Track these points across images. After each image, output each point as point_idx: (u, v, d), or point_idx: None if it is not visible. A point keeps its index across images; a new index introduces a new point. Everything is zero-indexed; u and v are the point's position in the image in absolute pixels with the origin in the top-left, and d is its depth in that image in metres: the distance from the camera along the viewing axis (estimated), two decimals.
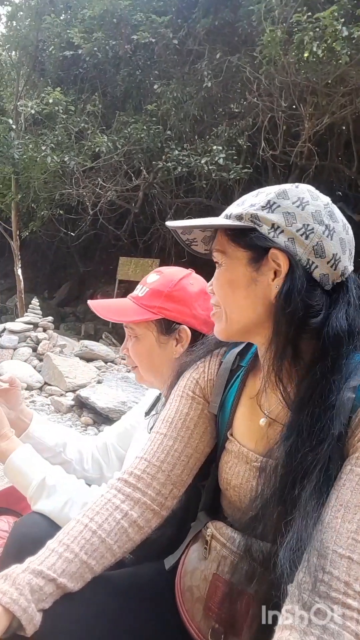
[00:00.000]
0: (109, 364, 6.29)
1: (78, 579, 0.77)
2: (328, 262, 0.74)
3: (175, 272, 1.21)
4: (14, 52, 9.75)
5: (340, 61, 5.36)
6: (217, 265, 0.83)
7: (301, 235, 0.74)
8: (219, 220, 0.81)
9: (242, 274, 0.78)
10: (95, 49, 7.95)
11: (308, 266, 0.74)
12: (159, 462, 0.86)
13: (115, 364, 6.39)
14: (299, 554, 0.65)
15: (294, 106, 6.70)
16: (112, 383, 4.57)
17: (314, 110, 6.50)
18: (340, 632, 0.58)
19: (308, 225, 0.74)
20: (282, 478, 0.74)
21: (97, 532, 0.80)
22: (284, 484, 0.73)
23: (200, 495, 0.97)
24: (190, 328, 1.15)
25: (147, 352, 1.18)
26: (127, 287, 11.36)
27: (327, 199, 0.79)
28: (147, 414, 1.28)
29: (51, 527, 0.98)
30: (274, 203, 0.76)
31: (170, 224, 0.85)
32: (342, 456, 0.71)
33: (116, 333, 9.91)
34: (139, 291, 1.22)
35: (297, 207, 0.75)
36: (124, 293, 11.07)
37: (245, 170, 7.12)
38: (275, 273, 0.75)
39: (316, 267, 0.74)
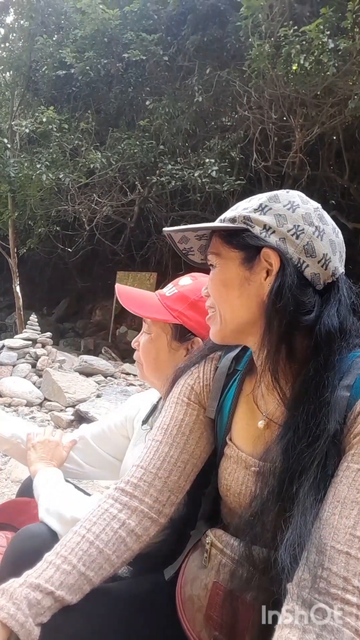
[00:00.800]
0: (108, 378, 6.28)
1: (76, 591, 0.76)
2: (319, 262, 0.77)
3: None
4: (8, 73, 9.90)
5: (328, 73, 5.45)
6: (211, 267, 0.85)
7: (292, 235, 0.76)
8: (213, 223, 0.84)
9: (235, 274, 0.80)
10: (88, 67, 8.09)
11: (299, 265, 0.76)
12: (155, 469, 0.86)
13: (115, 378, 6.39)
14: (299, 550, 0.65)
15: (284, 118, 6.79)
16: (112, 397, 4.57)
17: (304, 121, 6.59)
18: (339, 629, 0.59)
19: (298, 226, 0.77)
20: (280, 476, 0.74)
21: (95, 543, 0.79)
22: (282, 481, 0.73)
23: (200, 505, 0.96)
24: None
25: (155, 353, 1.17)
26: None
27: (317, 204, 0.82)
28: (144, 422, 1.28)
29: (50, 539, 0.98)
30: (266, 206, 0.79)
31: (166, 229, 0.88)
32: (338, 453, 0.71)
33: (115, 347, 9.89)
34: (167, 290, 1.20)
35: (288, 209, 0.78)
36: (122, 308, 11.08)
37: (239, 182, 7.19)
38: (267, 272, 0.77)
39: (307, 266, 0.76)
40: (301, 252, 0.76)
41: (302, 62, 5.49)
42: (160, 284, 9.42)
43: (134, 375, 6.79)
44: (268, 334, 0.78)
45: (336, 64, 5.40)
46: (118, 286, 1.22)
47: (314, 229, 0.77)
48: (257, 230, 0.78)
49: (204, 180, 7.05)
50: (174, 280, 1.23)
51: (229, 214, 0.83)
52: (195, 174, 7.10)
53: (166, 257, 9.54)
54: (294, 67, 5.68)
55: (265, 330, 0.78)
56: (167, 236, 0.90)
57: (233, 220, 0.81)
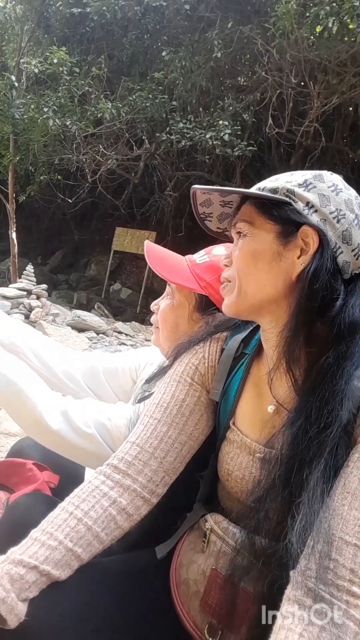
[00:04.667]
0: (100, 335, 6.28)
1: (64, 566, 0.74)
2: (352, 250, 0.75)
3: None
4: (19, 6, 9.37)
5: (354, 39, 5.23)
6: (238, 236, 0.82)
7: (333, 218, 0.75)
8: (253, 190, 0.81)
9: (268, 247, 0.77)
10: (104, 8, 7.68)
11: (335, 249, 0.75)
12: (152, 448, 0.84)
13: (107, 336, 6.39)
14: (308, 537, 0.65)
15: (302, 83, 6.55)
16: None
17: (323, 89, 6.37)
18: (343, 621, 0.59)
19: (340, 210, 0.75)
20: (288, 462, 0.73)
21: (83, 520, 0.77)
22: (290, 468, 0.72)
23: (191, 485, 0.95)
24: None
25: (175, 321, 1.12)
26: (121, 258, 11.26)
27: (356, 193, 0.80)
28: (148, 381, 1.23)
29: (47, 511, 0.94)
30: (310, 183, 0.77)
31: (196, 186, 0.84)
32: (348, 445, 0.71)
33: (108, 304, 9.87)
34: (198, 256, 1.14)
35: (332, 191, 0.76)
36: (118, 264, 10.99)
37: (250, 147, 7.00)
38: (301, 251, 0.75)
39: (341, 252, 0.75)
40: (339, 237, 0.75)
41: (329, 25, 5.24)
42: (158, 244, 9.27)
43: (126, 335, 6.80)
44: (295, 317, 0.75)
45: None
46: (148, 243, 1.16)
47: (354, 216, 0.76)
48: (300, 205, 0.75)
49: (215, 142, 6.84)
50: (207, 247, 1.16)
51: (269, 184, 0.79)
52: (207, 135, 6.89)
53: (167, 217, 9.36)
54: (318, 29, 5.43)
55: (292, 312, 0.76)
56: (191, 195, 0.86)
57: (274, 191, 0.77)
